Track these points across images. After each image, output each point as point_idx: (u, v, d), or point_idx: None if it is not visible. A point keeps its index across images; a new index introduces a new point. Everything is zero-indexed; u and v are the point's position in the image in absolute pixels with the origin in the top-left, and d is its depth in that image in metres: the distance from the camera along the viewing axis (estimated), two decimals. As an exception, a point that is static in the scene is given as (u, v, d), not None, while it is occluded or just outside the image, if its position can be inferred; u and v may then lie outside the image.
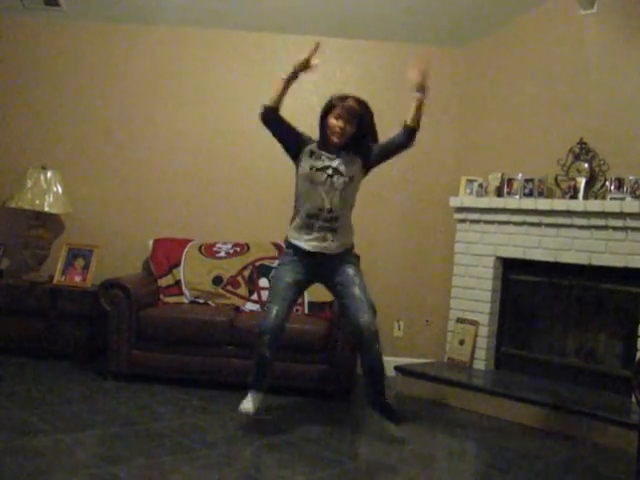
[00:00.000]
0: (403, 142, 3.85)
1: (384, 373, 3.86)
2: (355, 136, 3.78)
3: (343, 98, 3.79)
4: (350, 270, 3.81)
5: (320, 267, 3.82)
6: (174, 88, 5.62)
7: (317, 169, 3.74)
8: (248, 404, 3.79)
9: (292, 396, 4.59)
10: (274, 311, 3.72)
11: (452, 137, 5.62)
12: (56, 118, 5.59)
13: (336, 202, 3.74)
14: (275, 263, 5.24)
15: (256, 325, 3.86)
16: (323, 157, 3.77)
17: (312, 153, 3.79)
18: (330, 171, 3.74)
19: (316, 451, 3.62)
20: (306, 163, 3.77)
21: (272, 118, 3.88)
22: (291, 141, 3.85)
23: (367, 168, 3.89)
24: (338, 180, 3.74)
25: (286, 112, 5.52)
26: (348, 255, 3.88)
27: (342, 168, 3.76)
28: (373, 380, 3.83)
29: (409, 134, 3.84)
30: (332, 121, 3.74)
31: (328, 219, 3.74)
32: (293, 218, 3.89)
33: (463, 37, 5.51)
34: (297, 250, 3.81)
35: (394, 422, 3.85)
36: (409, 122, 3.83)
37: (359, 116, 3.75)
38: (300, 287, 3.86)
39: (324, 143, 3.80)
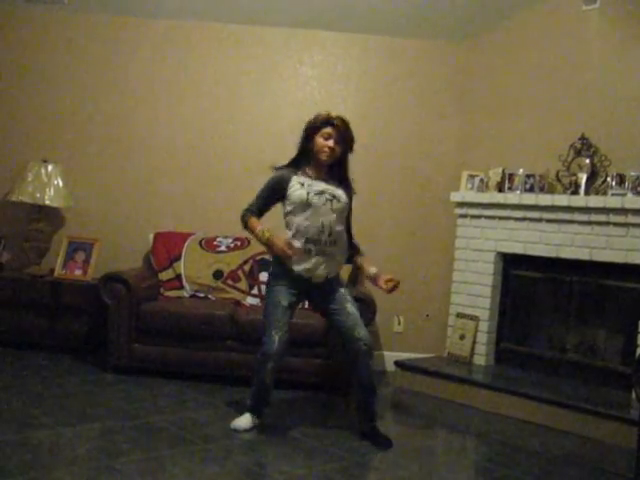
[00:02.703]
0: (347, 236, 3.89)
1: (376, 393, 3.79)
2: (340, 160, 3.73)
3: (331, 118, 3.68)
4: (342, 290, 3.77)
5: (312, 288, 3.75)
6: (175, 82, 5.61)
7: (315, 193, 3.65)
8: (243, 423, 3.77)
9: (292, 390, 4.59)
10: (276, 338, 3.65)
11: (453, 132, 5.61)
12: (57, 112, 5.58)
13: (334, 226, 3.68)
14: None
15: (258, 353, 3.75)
16: (315, 182, 3.69)
17: (302, 183, 3.69)
18: (328, 195, 3.67)
19: (316, 445, 3.63)
20: (301, 191, 3.66)
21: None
22: (276, 199, 3.78)
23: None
24: (337, 204, 3.68)
25: (290, 107, 5.56)
26: (339, 277, 3.84)
27: (338, 193, 3.71)
28: (366, 400, 3.75)
29: (355, 244, 3.93)
30: (320, 141, 3.66)
31: (327, 243, 3.66)
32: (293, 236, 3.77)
33: (465, 32, 5.49)
34: (290, 272, 3.71)
35: (381, 448, 3.69)
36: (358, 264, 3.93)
37: (346, 137, 3.68)
38: (294, 307, 3.81)
39: (308, 166, 3.74)
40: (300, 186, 3.68)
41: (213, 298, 5.14)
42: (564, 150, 4.86)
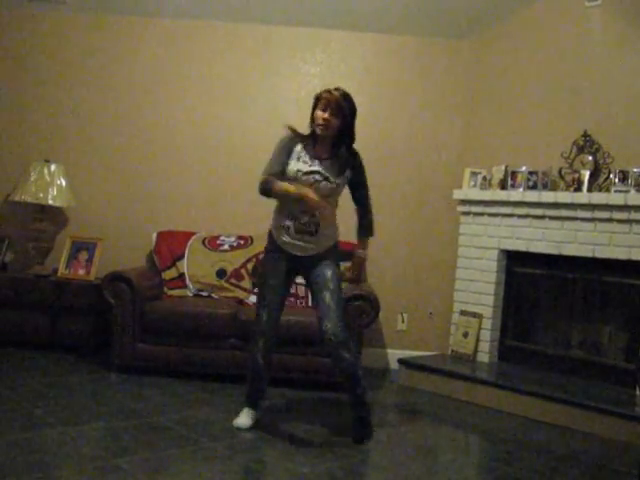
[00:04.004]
0: (358, 211, 3.84)
1: (360, 383, 3.67)
2: (340, 132, 3.62)
3: (330, 90, 3.64)
4: (327, 272, 3.65)
5: (300, 264, 3.71)
6: (178, 81, 5.61)
7: (304, 173, 3.61)
8: (243, 420, 3.78)
9: (295, 389, 4.60)
10: (264, 316, 3.69)
11: (456, 129, 5.60)
12: (59, 112, 5.58)
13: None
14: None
15: (249, 334, 3.80)
16: (310, 161, 3.64)
17: (299, 156, 3.66)
18: (317, 176, 3.61)
19: (320, 443, 3.64)
20: (294, 165, 3.64)
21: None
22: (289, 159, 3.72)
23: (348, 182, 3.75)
24: (325, 186, 3.61)
25: (293, 105, 5.56)
26: (329, 254, 3.71)
27: (329, 174, 3.62)
28: (349, 389, 3.70)
29: (365, 222, 3.83)
30: (318, 112, 3.61)
31: (309, 223, 3.62)
32: (276, 213, 3.78)
33: (468, 30, 5.49)
34: (279, 246, 3.72)
35: (355, 440, 3.67)
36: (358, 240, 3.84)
37: (344, 109, 3.59)
38: (286, 284, 3.76)
39: (313, 140, 3.69)
40: (296, 160, 3.66)
41: (216, 297, 5.14)
42: (567, 147, 4.86)
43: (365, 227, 3.84)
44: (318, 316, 3.63)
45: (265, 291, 3.74)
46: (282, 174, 3.65)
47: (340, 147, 3.66)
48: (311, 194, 3.54)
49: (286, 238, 3.68)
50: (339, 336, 3.57)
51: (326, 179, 3.63)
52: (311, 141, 3.69)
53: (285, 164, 3.67)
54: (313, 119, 3.65)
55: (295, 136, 3.72)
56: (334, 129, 3.61)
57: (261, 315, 3.71)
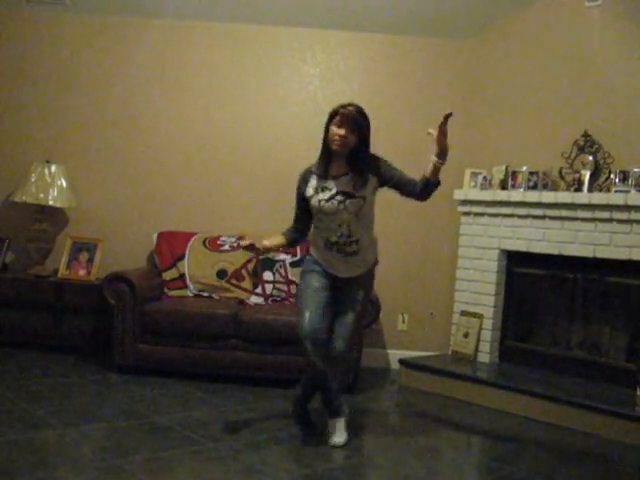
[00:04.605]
0: (416, 194, 3.59)
1: (333, 392, 3.68)
2: (357, 147, 3.55)
3: (345, 106, 3.54)
4: (359, 293, 3.64)
5: (336, 282, 3.66)
6: (177, 82, 5.61)
7: (325, 201, 3.53)
8: (338, 438, 3.65)
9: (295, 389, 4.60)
10: (307, 315, 3.55)
11: (456, 129, 5.55)
12: (60, 112, 5.59)
13: (353, 226, 3.54)
14: (280, 256, 5.27)
15: (294, 338, 3.67)
16: (328, 184, 3.56)
17: (317, 187, 3.58)
18: (340, 197, 3.52)
19: (321, 444, 3.63)
20: (315, 199, 3.57)
21: (303, 231, 3.77)
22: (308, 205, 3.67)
23: (382, 185, 3.63)
24: (351, 204, 3.51)
25: (293, 106, 5.57)
26: (364, 278, 3.68)
27: (351, 190, 3.52)
28: (324, 391, 3.70)
29: (426, 188, 3.56)
30: (333, 129, 3.50)
31: (347, 244, 3.56)
32: (313, 236, 3.71)
33: (468, 29, 5.49)
34: (320, 264, 3.66)
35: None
36: (428, 176, 3.53)
37: (360, 125, 3.53)
38: (328, 292, 3.65)
39: (327, 159, 3.59)
40: (313, 192, 3.59)
41: (217, 297, 5.14)
42: (567, 147, 4.86)
43: (433, 182, 3.59)
44: (334, 329, 3.60)
45: (306, 295, 3.62)
46: (307, 212, 3.65)
47: (356, 161, 3.57)
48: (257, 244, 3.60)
49: (331, 264, 3.63)
50: (343, 354, 3.61)
51: (350, 196, 3.53)
52: (324, 162, 3.61)
53: (304, 207, 3.65)
54: (326, 135, 3.57)
55: (305, 173, 3.67)
56: (351, 145, 3.53)
57: (303, 315, 3.56)
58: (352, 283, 3.65)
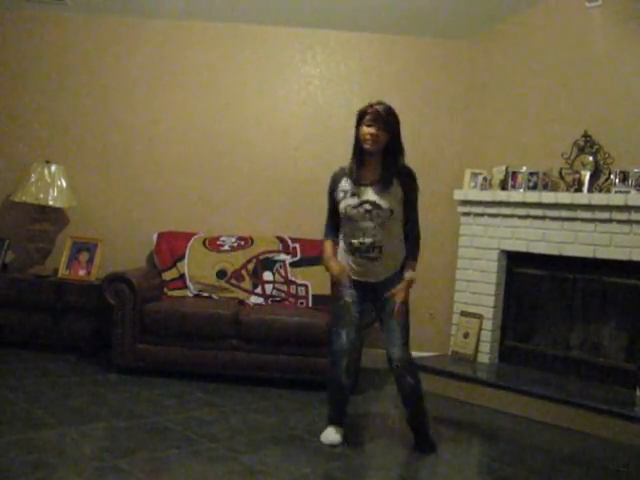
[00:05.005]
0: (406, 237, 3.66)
1: (421, 408, 3.67)
2: (390, 147, 3.53)
3: (372, 105, 3.52)
4: (396, 299, 3.61)
5: (367, 289, 3.65)
6: (177, 82, 5.62)
7: (353, 207, 3.53)
8: (333, 436, 3.67)
9: (295, 390, 4.60)
10: (343, 334, 3.59)
11: (456, 130, 5.60)
12: (60, 112, 5.59)
13: (378, 235, 3.53)
14: (280, 257, 5.27)
15: (328, 354, 3.72)
16: (355, 192, 3.54)
17: (345, 192, 3.57)
18: (368, 206, 3.50)
19: (321, 444, 3.63)
20: (343, 204, 3.56)
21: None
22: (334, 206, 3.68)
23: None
24: (378, 215, 3.50)
25: (293, 106, 5.57)
26: (397, 280, 3.63)
27: (380, 201, 3.50)
28: (408, 411, 3.69)
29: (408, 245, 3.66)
30: (364, 129, 3.49)
31: (371, 250, 3.54)
32: (340, 245, 3.70)
33: (468, 30, 5.49)
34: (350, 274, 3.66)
35: (422, 451, 3.67)
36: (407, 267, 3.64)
37: (390, 122, 3.50)
38: (359, 306, 3.65)
39: (358, 160, 3.58)
40: (343, 195, 3.58)
41: (217, 298, 5.14)
42: (567, 148, 4.86)
43: (409, 252, 3.67)
44: (386, 341, 3.60)
45: (341, 310, 3.63)
46: (337, 224, 3.68)
47: (391, 164, 3.56)
48: (340, 277, 3.60)
49: (354, 268, 3.62)
50: (405, 362, 3.57)
51: (377, 207, 3.51)
52: (356, 166, 3.59)
53: (334, 207, 3.65)
54: (357, 138, 3.55)
55: (336, 175, 3.65)
56: (382, 144, 3.51)
57: (339, 332, 3.60)
58: (382, 289, 3.62)
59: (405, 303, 3.62)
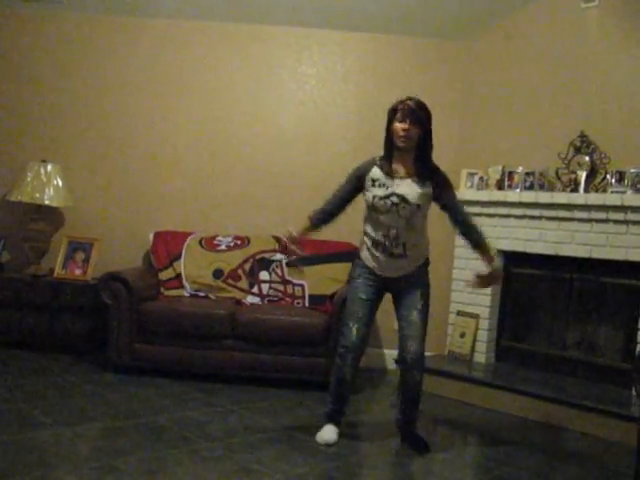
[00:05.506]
0: (458, 227, 3.70)
1: (419, 402, 3.70)
2: (422, 142, 3.53)
3: (403, 100, 3.51)
4: (417, 292, 3.60)
5: (390, 284, 3.64)
6: (174, 81, 5.61)
7: (380, 198, 3.50)
8: (329, 435, 3.66)
9: (292, 389, 4.60)
10: (354, 330, 3.56)
11: (453, 130, 5.60)
12: (56, 112, 5.58)
13: (402, 230, 3.52)
14: (277, 256, 5.27)
15: (338, 346, 3.68)
16: (388, 182, 3.52)
17: (374, 181, 3.54)
18: (395, 199, 3.49)
19: (316, 444, 3.63)
20: (369, 192, 3.54)
21: (332, 213, 3.68)
22: (356, 190, 3.63)
23: (434, 200, 3.63)
24: (404, 209, 3.49)
25: (289, 105, 5.57)
26: (418, 274, 3.64)
27: (409, 195, 3.50)
28: (406, 406, 3.69)
29: (468, 236, 3.70)
30: (396, 125, 3.47)
31: (394, 245, 3.53)
32: (363, 238, 3.68)
33: (464, 30, 5.49)
34: (367, 267, 3.63)
35: (418, 452, 3.64)
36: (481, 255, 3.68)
37: (421, 117, 3.49)
38: (373, 302, 3.65)
39: (389, 155, 3.56)
40: (371, 183, 3.54)
41: (213, 297, 5.13)
42: (564, 148, 4.86)
43: (477, 242, 3.69)
44: (402, 334, 3.60)
45: (355, 306, 3.61)
46: (342, 201, 3.63)
47: (422, 160, 3.55)
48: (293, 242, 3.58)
49: (375, 263, 3.60)
50: (419, 356, 3.57)
51: (405, 201, 3.50)
52: (387, 160, 3.57)
53: (348, 190, 3.61)
54: (389, 134, 3.53)
55: (368, 163, 3.63)
56: (415, 139, 3.50)
57: (351, 329, 3.58)
58: (408, 283, 3.61)
59: (427, 303, 3.66)
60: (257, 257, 5.28)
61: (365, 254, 3.64)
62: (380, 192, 3.52)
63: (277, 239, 5.33)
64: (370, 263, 3.61)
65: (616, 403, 4.21)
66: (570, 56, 4.96)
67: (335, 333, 4.56)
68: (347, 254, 5.11)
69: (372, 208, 3.55)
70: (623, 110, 4.67)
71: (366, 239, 3.64)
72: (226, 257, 5.27)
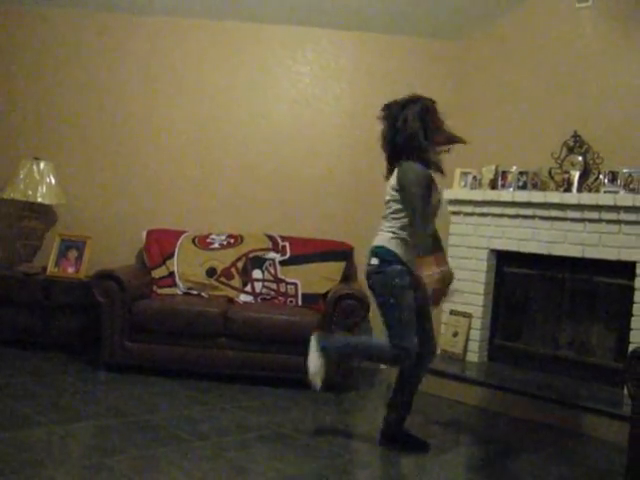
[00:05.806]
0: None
1: (411, 401, 3.73)
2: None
3: (433, 100, 3.56)
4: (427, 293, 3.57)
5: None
6: (168, 79, 5.60)
7: (438, 200, 3.64)
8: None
9: (284, 388, 4.60)
10: (414, 337, 3.49)
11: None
12: (49, 109, 5.56)
13: (434, 228, 3.69)
14: (270, 255, 5.26)
15: (401, 361, 3.59)
16: (437, 187, 3.59)
17: (436, 185, 3.57)
18: (440, 197, 3.70)
19: (309, 443, 3.63)
20: (436, 196, 3.58)
21: None
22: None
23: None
24: (439, 207, 3.68)
25: (284, 104, 5.56)
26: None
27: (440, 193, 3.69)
28: (403, 400, 3.68)
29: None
30: (441, 119, 3.56)
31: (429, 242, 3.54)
32: (405, 238, 3.52)
33: (458, 30, 5.50)
34: (409, 270, 3.53)
35: (423, 451, 3.65)
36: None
37: None
38: None
39: (434, 163, 3.55)
40: (435, 187, 3.55)
41: (206, 295, 5.13)
42: (557, 147, 4.87)
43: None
44: (425, 332, 3.64)
45: (411, 314, 3.51)
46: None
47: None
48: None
49: (411, 262, 3.52)
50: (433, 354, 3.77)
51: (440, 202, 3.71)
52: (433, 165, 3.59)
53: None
54: (432, 132, 3.53)
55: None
56: None
57: (412, 338, 3.48)
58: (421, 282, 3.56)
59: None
60: (250, 255, 5.27)
61: (407, 255, 3.52)
62: (438, 196, 3.64)
63: (270, 237, 5.33)
64: (410, 264, 3.53)
65: (608, 402, 4.22)
66: (564, 56, 4.98)
67: (328, 332, 4.57)
68: (341, 253, 5.12)
69: (432, 208, 3.58)
70: (616, 110, 4.69)
71: (408, 239, 3.51)
72: (219, 255, 5.26)
